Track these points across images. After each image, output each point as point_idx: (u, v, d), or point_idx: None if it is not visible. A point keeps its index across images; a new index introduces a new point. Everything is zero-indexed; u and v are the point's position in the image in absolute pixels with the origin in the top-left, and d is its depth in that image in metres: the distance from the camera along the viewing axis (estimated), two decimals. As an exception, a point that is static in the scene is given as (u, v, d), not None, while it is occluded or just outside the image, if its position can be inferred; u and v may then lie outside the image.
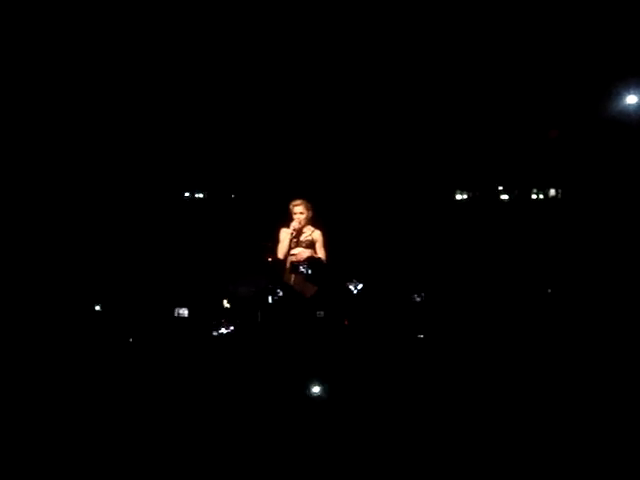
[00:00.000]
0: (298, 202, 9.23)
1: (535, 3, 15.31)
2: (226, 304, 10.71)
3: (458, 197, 17.42)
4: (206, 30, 14.29)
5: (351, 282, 9.03)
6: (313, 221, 9.33)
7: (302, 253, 9.09)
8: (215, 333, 9.16)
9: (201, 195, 16.64)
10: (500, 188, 17.45)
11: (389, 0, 14.68)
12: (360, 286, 9.05)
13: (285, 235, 9.18)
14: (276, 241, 9.26)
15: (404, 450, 6.31)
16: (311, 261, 8.92)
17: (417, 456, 6.20)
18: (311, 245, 9.23)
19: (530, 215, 16.62)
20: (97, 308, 9.84)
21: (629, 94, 16.57)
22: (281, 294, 8.64)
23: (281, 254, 9.17)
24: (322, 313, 9.31)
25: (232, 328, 9.15)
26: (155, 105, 14.76)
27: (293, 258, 9.09)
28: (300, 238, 9.20)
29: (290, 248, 9.15)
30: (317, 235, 9.29)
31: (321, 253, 9.24)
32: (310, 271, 8.82)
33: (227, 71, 14.95)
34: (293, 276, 9.03)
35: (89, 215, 13.92)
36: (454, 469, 6.01)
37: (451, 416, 6.98)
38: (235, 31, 14.46)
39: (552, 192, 17.37)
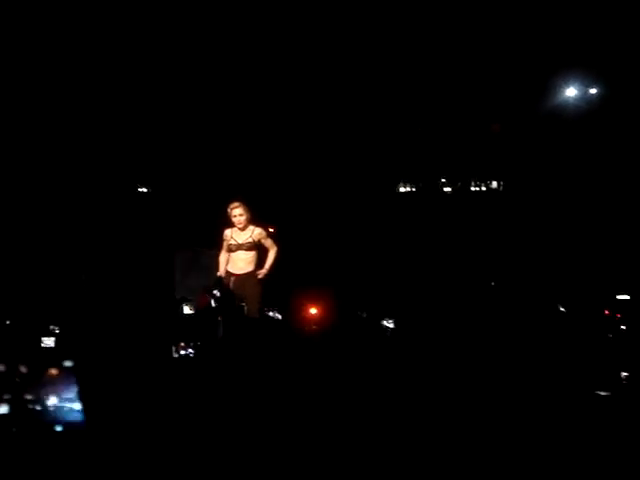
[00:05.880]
0: (236, 204, 9.18)
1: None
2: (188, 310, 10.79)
3: (402, 189, 17.57)
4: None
5: None
6: (253, 220, 9.29)
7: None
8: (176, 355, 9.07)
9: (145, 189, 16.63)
10: (443, 180, 17.63)
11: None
12: None
13: (227, 237, 9.17)
14: (220, 241, 9.22)
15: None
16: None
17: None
18: (253, 247, 9.17)
19: (472, 207, 16.83)
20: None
21: (568, 87, 16.84)
22: (219, 295, 8.68)
23: (223, 258, 9.19)
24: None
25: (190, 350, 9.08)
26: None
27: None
28: (240, 241, 9.17)
29: (231, 251, 9.14)
30: (258, 234, 9.23)
31: (269, 245, 9.22)
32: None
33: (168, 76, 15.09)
34: (233, 278, 9.09)
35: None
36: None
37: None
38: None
39: (494, 184, 17.59)
